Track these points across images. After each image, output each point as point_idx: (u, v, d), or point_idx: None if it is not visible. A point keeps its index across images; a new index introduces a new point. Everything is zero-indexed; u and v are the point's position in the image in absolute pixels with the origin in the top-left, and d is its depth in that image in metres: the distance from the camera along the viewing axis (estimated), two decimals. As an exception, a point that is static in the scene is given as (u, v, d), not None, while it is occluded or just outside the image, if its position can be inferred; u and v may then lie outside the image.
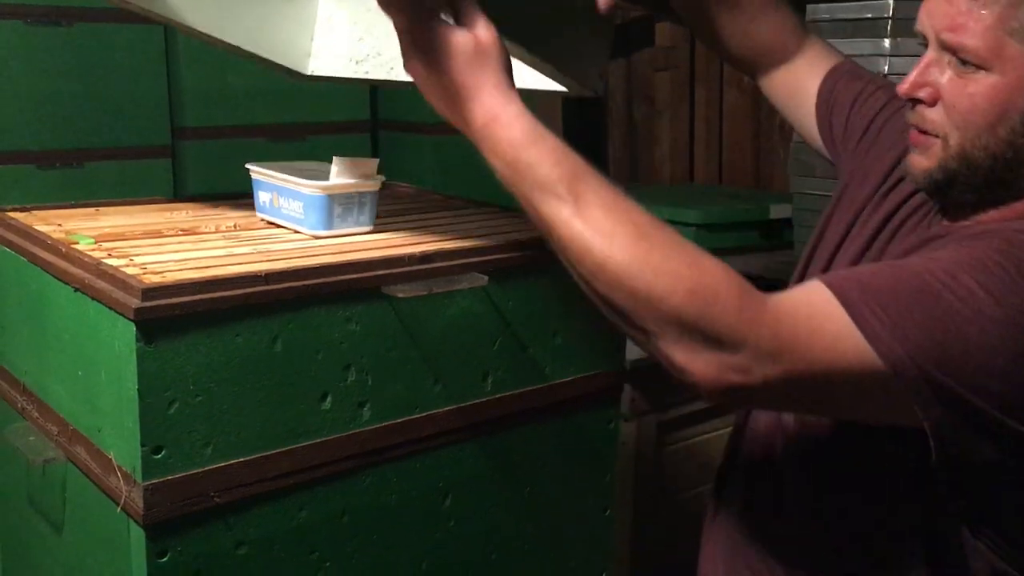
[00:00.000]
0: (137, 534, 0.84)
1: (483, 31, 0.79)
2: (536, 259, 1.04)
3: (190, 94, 1.92)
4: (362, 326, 0.93)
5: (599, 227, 0.79)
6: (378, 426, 0.95)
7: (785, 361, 0.78)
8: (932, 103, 0.91)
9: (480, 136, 0.80)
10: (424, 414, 0.98)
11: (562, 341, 1.09)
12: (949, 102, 0.90)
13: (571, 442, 1.12)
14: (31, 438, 0.99)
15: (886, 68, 1.94)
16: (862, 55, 2.01)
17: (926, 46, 0.91)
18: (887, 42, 1.94)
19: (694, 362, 0.78)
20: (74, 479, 0.94)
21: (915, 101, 0.91)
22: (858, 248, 1.03)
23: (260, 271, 0.86)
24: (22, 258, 0.99)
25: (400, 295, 0.93)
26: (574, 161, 0.80)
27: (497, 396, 1.03)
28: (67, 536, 0.99)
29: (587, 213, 0.79)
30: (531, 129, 0.80)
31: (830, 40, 2.13)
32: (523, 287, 1.04)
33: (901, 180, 1.01)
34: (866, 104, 1.11)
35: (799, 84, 1.17)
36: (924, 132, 0.92)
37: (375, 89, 2.08)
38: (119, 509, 0.84)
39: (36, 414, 1.00)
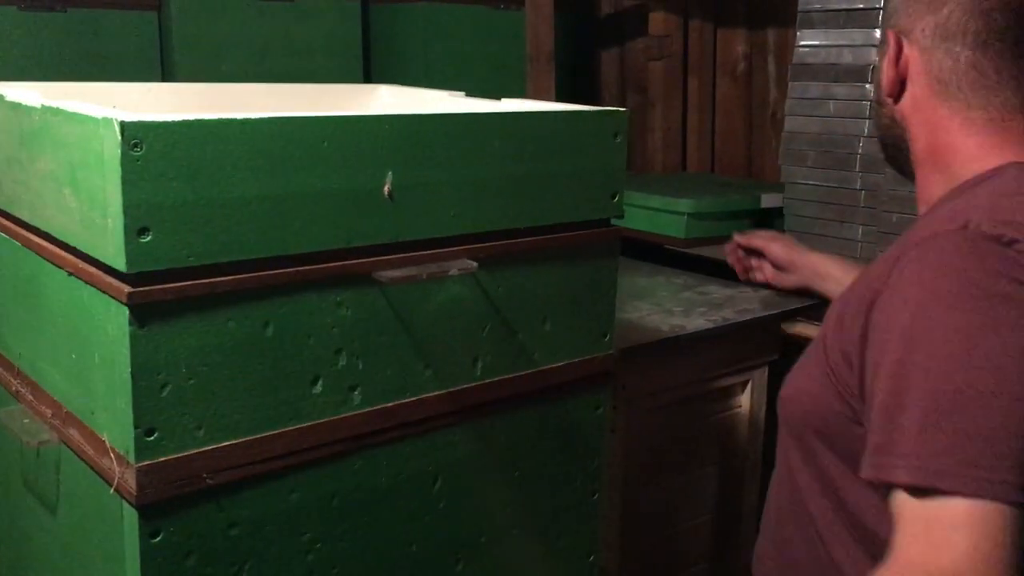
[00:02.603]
0: (130, 514, 0.85)
1: None
2: (525, 246, 1.05)
3: (184, 81, 1.92)
4: (353, 311, 0.94)
5: None
6: (369, 410, 0.96)
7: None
8: None
9: None
10: (414, 398, 0.99)
11: (551, 327, 1.10)
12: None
13: (559, 427, 1.13)
14: (25, 421, 1.00)
15: (876, 58, 1.95)
16: (853, 45, 2.02)
17: None
18: (879, 32, 1.96)
19: None
20: (68, 461, 0.96)
21: None
22: None
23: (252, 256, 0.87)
24: (15, 242, 1.00)
25: (390, 280, 0.94)
26: None
27: (486, 381, 1.05)
28: (62, 517, 1.00)
29: None
30: None
31: (824, 30, 2.15)
32: (513, 273, 1.05)
33: None
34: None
35: None
36: None
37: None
38: (112, 490, 0.86)
39: (31, 397, 1.01)
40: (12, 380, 1.05)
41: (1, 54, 1.72)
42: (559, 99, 2.33)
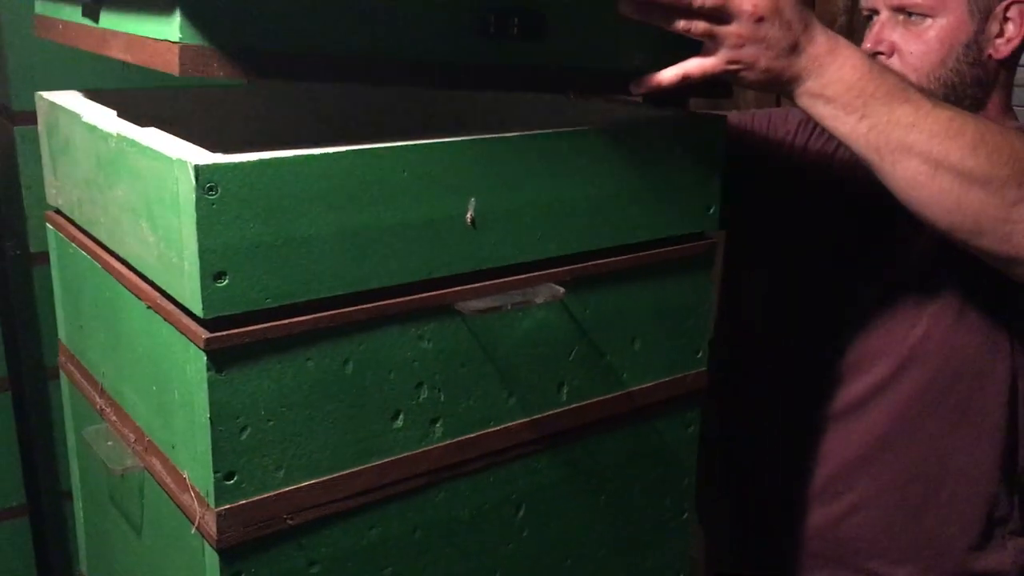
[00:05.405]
0: (211, 556, 0.84)
1: None
2: (614, 266, 1.00)
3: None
4: (434, 343, 0.90)
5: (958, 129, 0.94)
6: (451, 442, 0.93)
7: None
8: (890, 54, 1.17)
9: (825, 58, 0.94)
10: (498, 428, 0.96)
11: (641, 346, 1.05)
12: (905, 50, 1.16)
13: (649, 447, 1.09)
14: (109, 443, 1.00)
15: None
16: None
17: (871, 18, 1.21)
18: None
19: None
20: (151, 488, 0.95)
21: (876, 55, 1.16)
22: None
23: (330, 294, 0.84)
24: (96, 263, 0.99)
25: (473, 312, 0.90)
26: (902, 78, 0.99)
27: (572, 406, 1.01)
28: (146, 540, 1.00)
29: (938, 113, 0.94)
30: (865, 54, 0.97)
31: None
32: (600, 295, 1.00)
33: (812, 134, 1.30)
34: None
35: None
36: None
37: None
38: (194, 529, 0.85)
39: (114, 418, 1.01)
40: (96, 398, 1.05)
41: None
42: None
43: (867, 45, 1.19)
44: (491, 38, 0.88)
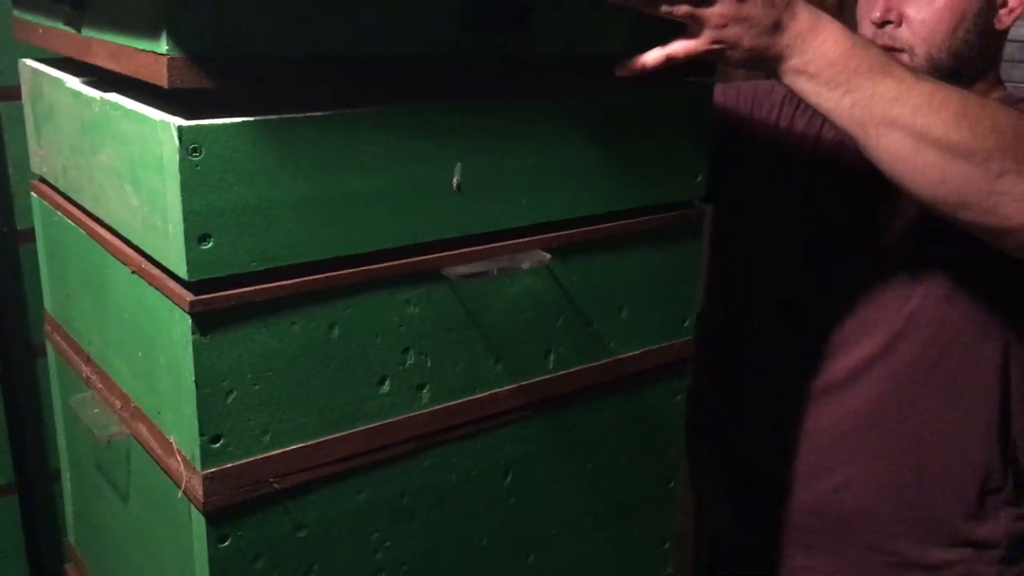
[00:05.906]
0: (198, 519, 0.84)
1: None
2: (601, 233, 1.00)
3: None
4: (421, 308, 0.90)
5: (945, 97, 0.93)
6: (437, 408, 0.94)
7: None
8: (899, 23, 1.16)
9: (808, 35, 0.93)
10: (485, 394, 0.96)
11: (628, 314, 1.05)
12: (917, 19, 1.14)
13: (636, 415, 1.10)
14: (95, 410, 0.99)
15: None
16: None
17: None
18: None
19: None
20: (138, 455, 0.95)
21: (885, 24, 1.16)
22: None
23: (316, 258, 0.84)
24: (81, 231, 0.98)
25: (459, 277, 0.90)
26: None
27: (560, 373, 1.01)
28: (133, 507, 1.00)
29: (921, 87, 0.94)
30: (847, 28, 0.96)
31: None
32: (588, 262, 1.00)
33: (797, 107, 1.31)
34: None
35: None
36: (893, 49, 1.15)
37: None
38: (180, 493, 0.85)
39: (100, 385, 1.01)
40: (83, 366, 1.04)
41: None
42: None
43: (875, 14, 1.17)
44: (475, 32, 0.88)
